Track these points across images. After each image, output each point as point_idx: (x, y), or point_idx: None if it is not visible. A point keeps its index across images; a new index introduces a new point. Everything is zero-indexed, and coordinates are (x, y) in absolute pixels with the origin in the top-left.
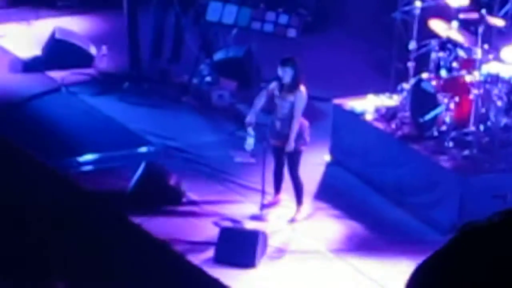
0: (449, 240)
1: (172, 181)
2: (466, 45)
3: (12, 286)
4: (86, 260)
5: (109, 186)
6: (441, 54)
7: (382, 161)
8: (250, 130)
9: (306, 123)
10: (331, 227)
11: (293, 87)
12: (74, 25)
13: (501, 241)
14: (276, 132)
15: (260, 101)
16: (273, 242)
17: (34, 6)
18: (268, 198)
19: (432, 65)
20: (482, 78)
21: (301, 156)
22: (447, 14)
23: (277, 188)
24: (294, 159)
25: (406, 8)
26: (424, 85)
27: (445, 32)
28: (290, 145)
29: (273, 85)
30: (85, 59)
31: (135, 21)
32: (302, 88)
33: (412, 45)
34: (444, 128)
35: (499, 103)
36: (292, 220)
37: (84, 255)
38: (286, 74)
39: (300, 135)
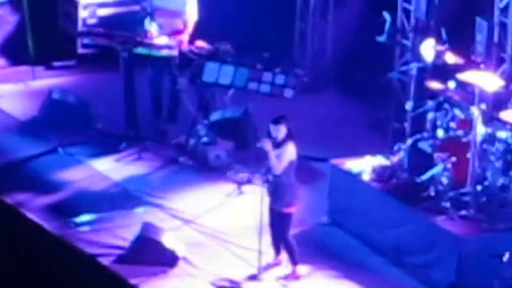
0: None
1: (169, 242)
2: (463, 104)
3: None
4: None
5: (105, 246)
6: (438, 114)
7: (380, 222)
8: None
9: (296, 185)
10: (328, 287)
11: (284, 144)
12: (71, 85)
13: None
14: (269, 191)
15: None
16: None
17: (31, 66)
18: (268, 260)
19: (429, 125)
20: (479, 138)
21: (290, 219)
22: (444, 74)
23: (277, 249)
24: (282, 220)
25: (403, 68)
26: (421, 145)
27: (442, 92)
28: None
29: (264, 141)
30: (82, 119)
31: (131, 81)
32: (292, 144)
33: (409, 105)
34: (441, 188)
35: (496, 163)
36: (284, 279)
37: None
38: (279, 132)
39: (282, 197)
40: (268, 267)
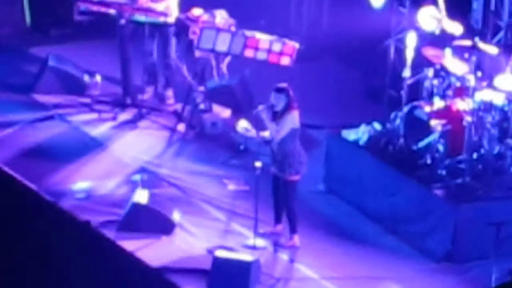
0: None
1: (164, 209)
2: (459, 73)
3: None
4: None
5: (101, 214)
6: (434, 82)
7: (375, 189)
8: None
9: (302, 153)
10: (325, 255)
11: (284, 114)
12: (68, 53)
13: None
14: (272, 160)
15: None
16: (267, 270)
17: (28, 35)
18: (267, 228)
19: (425, 93)
20: (475, 106)
21: (295, 186)
22: (440, 42)
23: (278, 217)
24: (288, 189)
25: (400, 36)
26: (417, 113)
27: (438, 60)
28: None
29: (261, 108)
30: (78, 87)
31: (128, 48)
32: (294, 112)
33: (406, 72)
34: (437, 156)
35: (492, 131)
36: (281, 247)
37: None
38: (279, 101)
39: (290, 166)
40: (267, 235)
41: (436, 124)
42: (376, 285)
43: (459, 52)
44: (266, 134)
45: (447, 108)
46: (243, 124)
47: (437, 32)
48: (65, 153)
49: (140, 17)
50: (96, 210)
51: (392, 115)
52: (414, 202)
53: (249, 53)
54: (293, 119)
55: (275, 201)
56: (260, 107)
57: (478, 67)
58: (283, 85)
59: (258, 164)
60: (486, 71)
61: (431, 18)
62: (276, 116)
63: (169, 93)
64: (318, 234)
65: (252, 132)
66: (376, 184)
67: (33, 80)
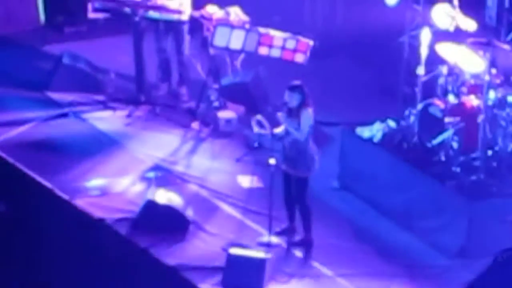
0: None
1: (179, 207)
2: (473, 70)
3: None
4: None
5: (116, 211)
6: (449, 79)
7: (390, 186)
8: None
9: (315, 149)
10: (339, 251)
11: (300, 111)
12: (82, 50)
13: None
14: (284, 157)
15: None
16: (281, 267)
17: (42, 32)
18: (281, 225)
19: (439, 90)
20: (489, 103)
21: (307, 183)
22: (455, 39)
23: (292, 215)
24: (300, 186)
25: (414, 32)
26: (431, 110)
27: (453, 57)
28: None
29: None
30: (92, 84)
31: (142, 45)
32: (309, 109)
33: (420, 70)
34: (451, 153)
35: (507, 128)
36: (295, 244)
37: (91, 281)
38: (293, 99)
39: (303, 163)
40: (282, 233)
41: (450, 121)
42: (390, 282)
43: (473, 49)
44: (279, 130)
45: (461, 105)
46: (257, 119)
47: (451, 29)
48: (80, 150)
49: (154, 14)
50: (111, 208)
51: (406, 112)
52: (428, 198)
53: (263, 50)
54: (309, 115)
55: (287, 198)
56: (279, 114)
57: (492, 64)
58: (297, 82)
59: (272, 161)
60: (500, 68)
61: (445, 15)
62: (292, 114)
63: (183, 90)
64: (332, 230)
65: (266, 127)
66: (390, 181)
67: (47, 77)
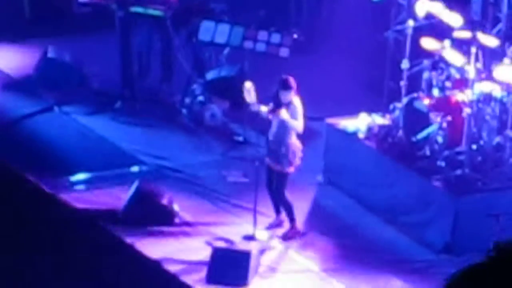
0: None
1: (164, 201)
2: (458, 64)
3: None
4: (78, 280)
5: (101, 205)
6: (433, 73)
7: (375, 181)
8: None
9: (298, 145)
10: (323, 246)
11: (292, 101)
12: (67, 44)
13: None
14: (268, 150)
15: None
16: (266, 261)
17: (27, 26)
18: (267, 219)
19: (424, 84)
20: (474, 97)
21: (287, 178)
22: (439, 33)
23: (277, 209)
24: (280, 181)
25: (399, 27)
26: (416, 104)
27: (438, 51)
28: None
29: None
30: (77, 78)
31: (127, 40)
32: (298, 98)
33: (405, 64)
34: (436, 147)
35: (491, 122)
36: (284, 237)
37: (76, 275)
38: (286, 96)
39: (285, 156)
40: (270, 227)
41: (435, 115)
42: (376, 276)
43: (458, 43)
44: (264, 109)
45: (446, 100)
46: (248, 86)
47: (436, 23)
48: (64, 144)
49: (139, 9)
50: (95, 202)
51: (391, 107)
52: (413, 193)
53: (248, 44)
54: (300, 104)
55: (270, 192)
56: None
57: (477, 58)
58: (288, 80)
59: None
60: (485, 63)
61: (430, 9)
62: (279, 108)
63: (168, 84)
64: (317, 225)
65: (252, 97)
66: (375, 176)
67: (32, 72)
